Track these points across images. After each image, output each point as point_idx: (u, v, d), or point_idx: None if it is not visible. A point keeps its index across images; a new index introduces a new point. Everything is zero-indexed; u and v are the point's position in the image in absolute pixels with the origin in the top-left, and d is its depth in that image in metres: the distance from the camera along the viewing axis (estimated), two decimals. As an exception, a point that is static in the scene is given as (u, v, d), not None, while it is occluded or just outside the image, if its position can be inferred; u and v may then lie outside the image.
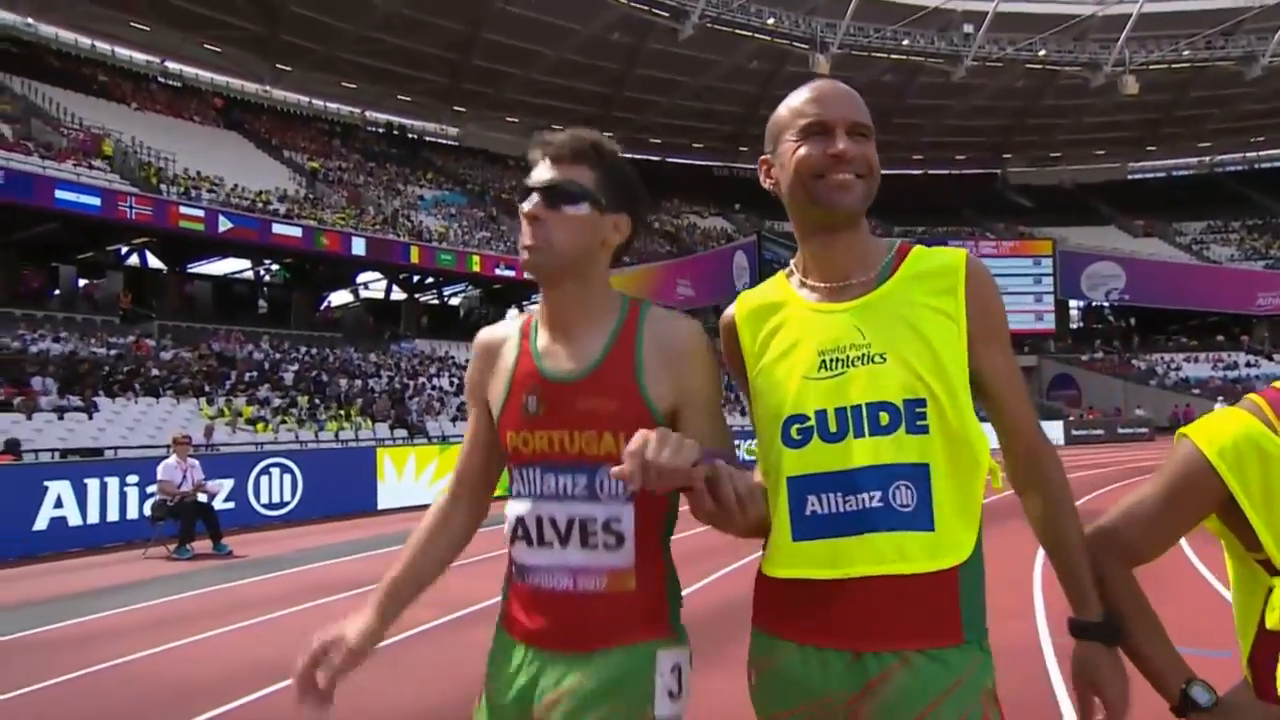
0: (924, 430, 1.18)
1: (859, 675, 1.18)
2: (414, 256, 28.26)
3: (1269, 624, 1.16)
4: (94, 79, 30.41)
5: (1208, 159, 46.50)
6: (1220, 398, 28.28)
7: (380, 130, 39.83)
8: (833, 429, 1.20)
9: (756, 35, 35.59)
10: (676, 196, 42.33)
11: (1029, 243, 42.36)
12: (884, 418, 1.18)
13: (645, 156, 43.54)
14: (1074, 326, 44.56)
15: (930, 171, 46.92)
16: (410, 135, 40.38)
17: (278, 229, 24.89)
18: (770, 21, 35.35)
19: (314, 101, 38.44)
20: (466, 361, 1.50)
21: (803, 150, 1.26)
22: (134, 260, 26.98)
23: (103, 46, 32.90)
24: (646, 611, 1.31)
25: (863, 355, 1.21)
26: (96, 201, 21.03)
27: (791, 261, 1.36)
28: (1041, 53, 37.96)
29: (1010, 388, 1.28)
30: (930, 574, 1.16)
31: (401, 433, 18.71)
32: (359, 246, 26.82)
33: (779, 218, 44.40)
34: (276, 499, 11.78)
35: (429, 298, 34.82)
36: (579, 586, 1.30)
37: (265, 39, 34.71)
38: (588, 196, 1.34)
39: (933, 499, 1.17)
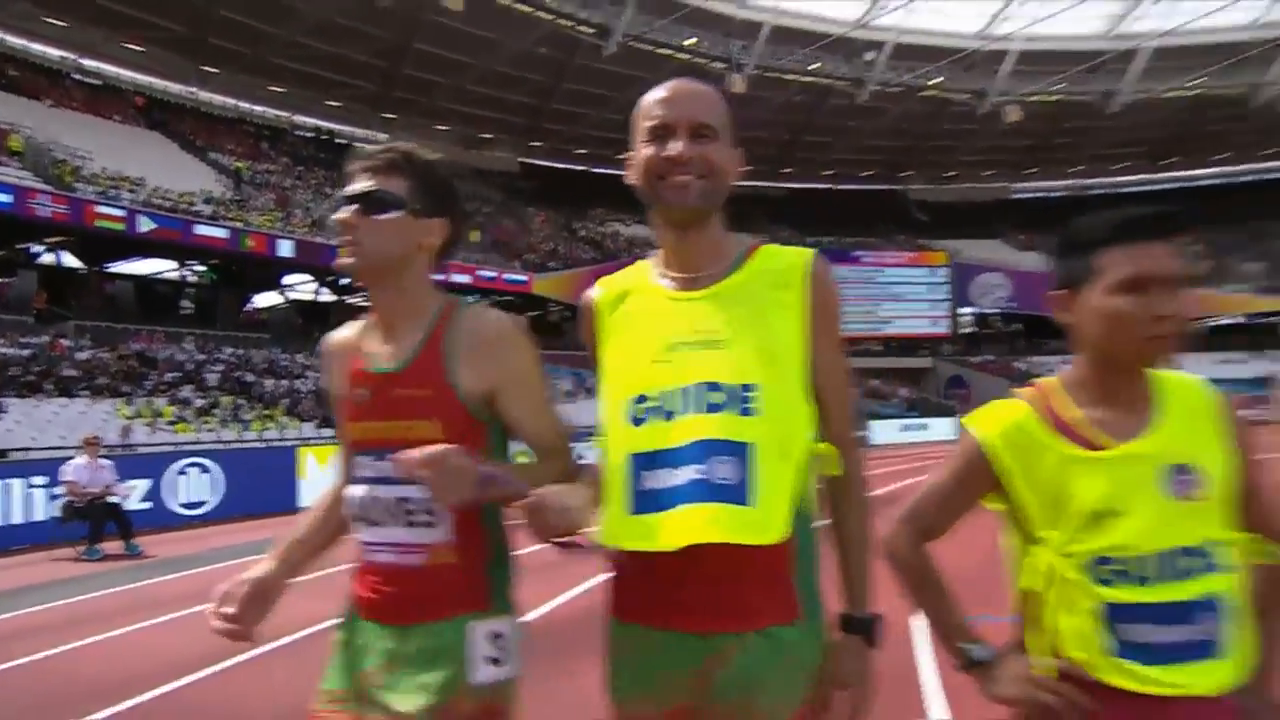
0: (751, 413, 1.18)
1: (698, 656, 1.20)
2: (342, 259, 27.51)
3: (1021, 584, 1.28)
4: (3, 73, 28.48)
5: (1079, 182, 49.43)
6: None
7: (309, 135, 38.54)
8: (671, 408, 1.21)
9: (676, 54, 36.02)
10: (601, 205, 42.40)
11: (927, 254, 44.28)
12: (716, 398, 1.19)
13: (570, 166, 43.51)
14: (966, 331, 46.77)
15: (840, 187, 48.33)
16: (339, 140, 39.17)
17: (202, 230, 23.83)
18: (690, 41, 35.85)
19: (241, 104, 36.91)
20: None
21: (646, 152, 1.27)
22: (49, 259, 25.37)
23: (14, 41, 30.82)
24: (467, 584, 1.34)
25: (705, 340, 1.23)
26: (7, 199, 19.72)
27: (655, 251, 1.38)
28: (935, 81, 39.67)
29: (833, 381, 1.28)
30: (760, 553, 1.15)
31: (328, 431, 18.22)
32: (286, 249, 25.89)
33: (699, 227, 44.77)
34: (194, 498, 11.35)
35: (358, 300, 33.92)
36: (403, 561, 1.34)
37: (191, 40, 33.14)
38: (400, 204, 1.38)
39: (753, 477, 1.16)
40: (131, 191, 23.72)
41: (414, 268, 1.41)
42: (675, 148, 1.24)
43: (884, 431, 29.58)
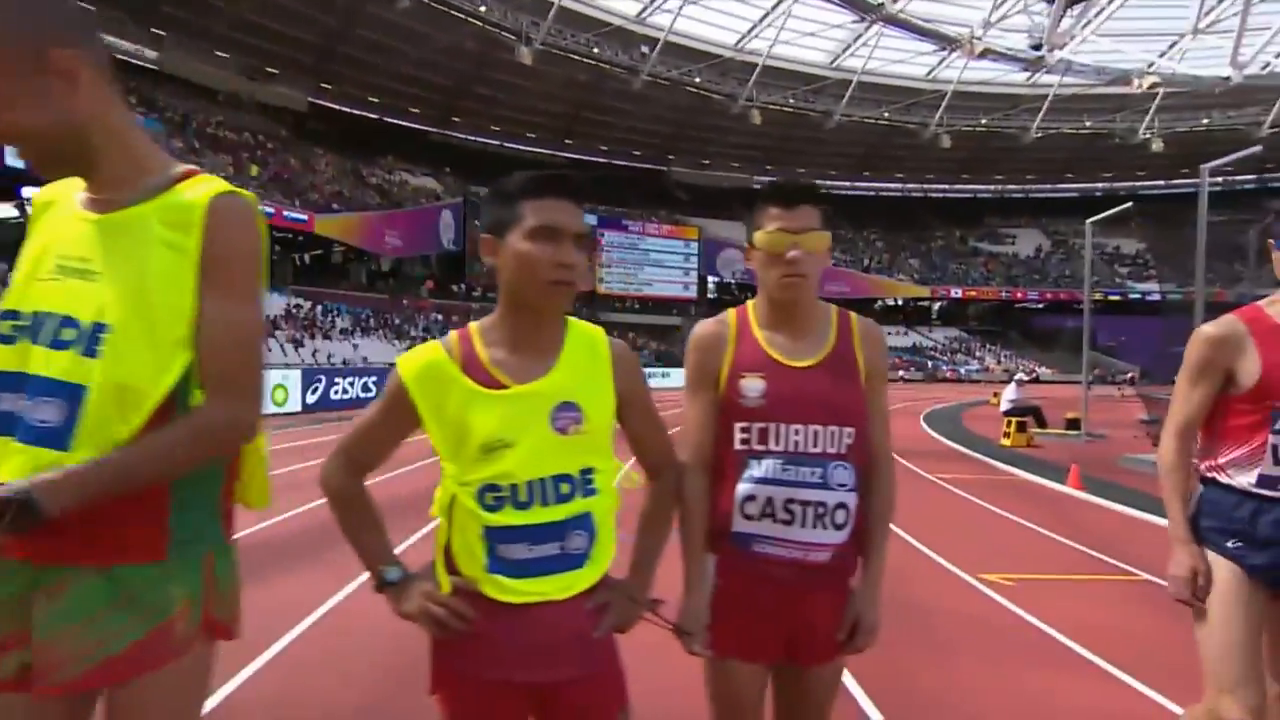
0: (96, 355, 1.02)
1: (27, 585, 1.05)
2: (91, 179, 23.18)
3: (432, 511, 1.29)
4: None
5: (805, 180, 54.85)
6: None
7: (55, 37, 31.56)
8: (32, 333, 1.05)
9: (469, 19, 34.19)
10: (391, 153, 39.61)
11: (683, 228, 46.89)
12: (68, 334, 1.03)
13: (364, 113, 40.00)
14: (711, 296, 50.55)
15: (615, 161, 49.19)
16: (96, 49, 32.59)
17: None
18: (483, 9, 34.16)
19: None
20: None
21: None
22: None
23: None
24: None
25: (81, 269, 1.06)
26: None
27: None
28: (698, 80, 41.53)
29: (219, 334, 1.07)
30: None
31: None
32: (12, 157, 21.36)
33: (484, 183, 43.65)
34: None
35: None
36: None
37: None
38: None
39: (78, 421, 1.01)
40: None
41: None
42: None
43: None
